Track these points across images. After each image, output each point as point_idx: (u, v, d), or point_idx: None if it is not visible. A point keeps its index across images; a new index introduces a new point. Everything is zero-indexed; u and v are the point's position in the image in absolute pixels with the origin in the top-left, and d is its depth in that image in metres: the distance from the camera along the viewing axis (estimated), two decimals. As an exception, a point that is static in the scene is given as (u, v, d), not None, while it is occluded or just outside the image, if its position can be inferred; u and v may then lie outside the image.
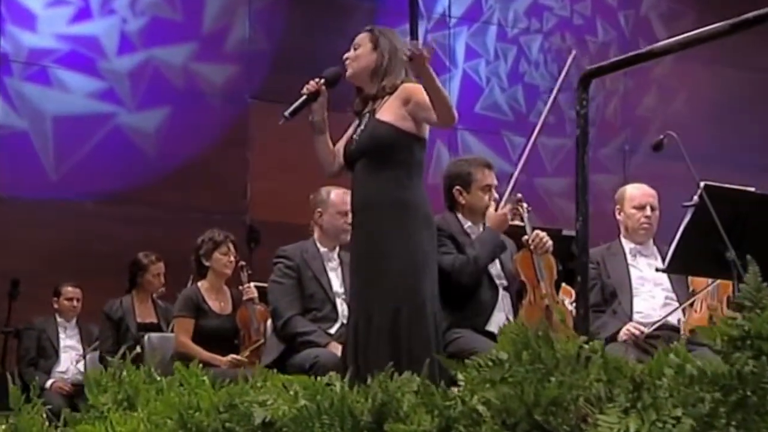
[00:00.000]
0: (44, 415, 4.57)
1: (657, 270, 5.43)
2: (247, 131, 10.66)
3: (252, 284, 7.05)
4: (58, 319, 8.37)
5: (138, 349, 7.34)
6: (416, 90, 4.79)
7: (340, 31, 11.06)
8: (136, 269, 7.78)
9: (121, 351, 6.11)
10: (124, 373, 4.35)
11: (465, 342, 5.14)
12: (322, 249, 6.22)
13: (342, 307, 6.11)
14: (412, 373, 4.42)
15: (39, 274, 9.06)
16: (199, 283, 6.93)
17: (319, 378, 3.49)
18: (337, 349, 5.83)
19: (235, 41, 10.77)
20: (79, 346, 8.33)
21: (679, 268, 5.21)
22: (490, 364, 2.82)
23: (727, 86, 12.49)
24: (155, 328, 7.63)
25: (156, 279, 7.80)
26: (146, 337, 7.07)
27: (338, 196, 6.26)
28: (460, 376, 2.92)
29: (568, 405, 2.57)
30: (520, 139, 11.87)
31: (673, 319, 5.61)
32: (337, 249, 6.29)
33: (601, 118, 12.08)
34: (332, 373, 3.45)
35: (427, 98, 4.69)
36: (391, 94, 4.86)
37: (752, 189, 5.23)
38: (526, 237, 5.59)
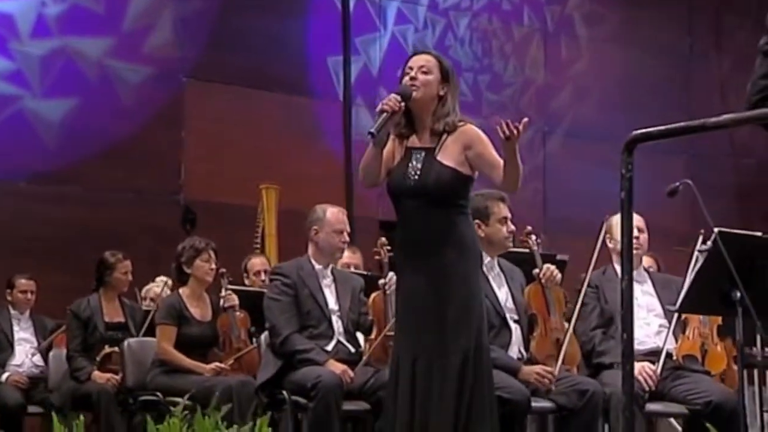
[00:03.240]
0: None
1: (670, 311, 5.70)
2: (181, 111, 10.58)
3: (231, 291, 7.11)
4: (12, 312, 8.25)
5: (107, 348, 7.46)
6: (479, 140, 4.84)
7: (272, 8, 11.07)
8: (103, 268, 7.71)
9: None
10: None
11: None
12: (317, 266, 6.32)
13: (337, 324, 6.25)
14: (471, 413, 4.64)
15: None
16: (180, 290, 6.96)
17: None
18: (335, 366, 5.99)
19: (156, 44, 10.56)
20: (34, 339, 8.23)
21: (690, 308, 5.47)
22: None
23: (635, 67, 12.88)
24: (123, 327, 7.61)
25: (124, 277, 7.75)
26: (126, 342, 7.10)
27: (334, 215, 6.36)
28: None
29: None
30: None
31: (665, 345, 5.90)
32: (331, 266, 6.41)
33: (515, 107, 12.30)
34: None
35: (492, 153, 4.78)
36: (449, 132, 4.88)
37: (759, 234, 5.50)
38: (536, 271, 5.78)
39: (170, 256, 9.55)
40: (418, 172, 4.86)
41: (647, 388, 5.70)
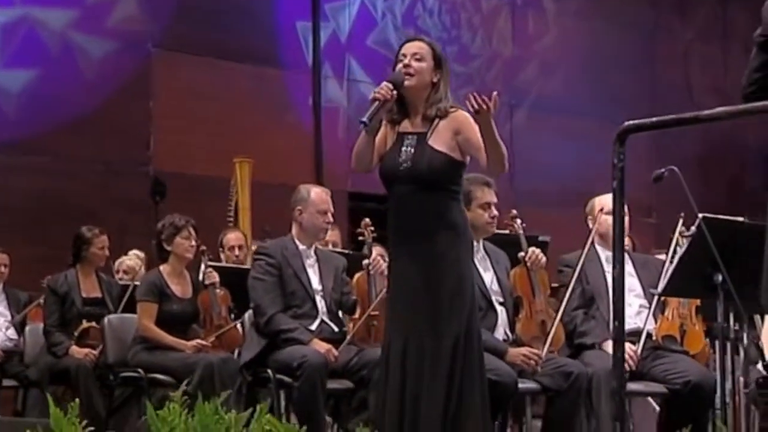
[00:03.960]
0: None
1: (653, 294, 5.80)
2: (149, 82, 10.53)
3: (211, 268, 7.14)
4: (-15, 285, 8.24)
5: (84, 323, 7.48)
6: (468, 125, 4.84)
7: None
8: (80, 243, 7.69)
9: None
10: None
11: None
12: (301, 246, 6.37)
13: (321, 304, 6.31)
14: (463, 394, 4.70)
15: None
16: (161, 267, 6.98)
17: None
18: (319, 346, 6.05)
19: (121, 16, 10.46)
20: (7, 312, 8.21)
21: (673, 291, 5.57)
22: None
23: (601, 40, 12.97)
24: (100, 302, 7.62)
25: (101, 252, 7.75)
26: (106, 319, 7.12)
27: (318, 195, 6.41)
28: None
29: None
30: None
31: (645, 326, 6.00)
32: (314, 246, 6.46)
33: (481, 80, 12.35)
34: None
35: (478, 137, 4.78)
36: (441, 118, 4.90)
37: (741, 219, 5.60)
38: (521, 254, 5.85)
39: (139, 227, 9.56)
40: (411, 158, 4.88)
41: (628, 369, 5.79)
